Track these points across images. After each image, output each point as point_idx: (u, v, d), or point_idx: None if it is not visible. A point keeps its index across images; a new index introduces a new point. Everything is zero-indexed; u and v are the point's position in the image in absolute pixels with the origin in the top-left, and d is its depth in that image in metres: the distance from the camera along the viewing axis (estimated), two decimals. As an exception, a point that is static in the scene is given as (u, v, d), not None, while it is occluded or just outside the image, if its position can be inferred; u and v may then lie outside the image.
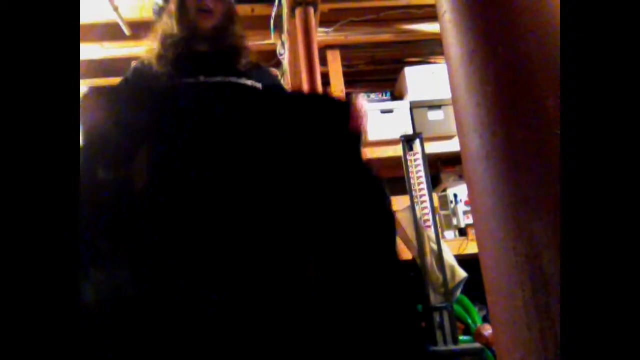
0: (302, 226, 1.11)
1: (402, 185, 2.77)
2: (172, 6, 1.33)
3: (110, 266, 0.99)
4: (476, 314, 2.90)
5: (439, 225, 2.71)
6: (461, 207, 3.20)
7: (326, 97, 1.25)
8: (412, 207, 2.63)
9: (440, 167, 3.45)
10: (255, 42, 2.99)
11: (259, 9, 3.00)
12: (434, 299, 2.46)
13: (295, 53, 2.56)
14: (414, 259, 2.64)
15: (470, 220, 3.13)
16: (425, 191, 2.67)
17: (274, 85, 1.38)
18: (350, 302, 1.07)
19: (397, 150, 2.96)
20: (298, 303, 1.03)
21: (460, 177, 3.34)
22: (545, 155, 0.56)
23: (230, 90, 1.29)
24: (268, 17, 2.63)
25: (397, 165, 2.89)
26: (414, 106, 3.28)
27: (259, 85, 1.34)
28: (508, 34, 0.62)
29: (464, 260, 2.62)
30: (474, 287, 2.71)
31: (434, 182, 3.21)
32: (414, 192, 2.67)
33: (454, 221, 3.20)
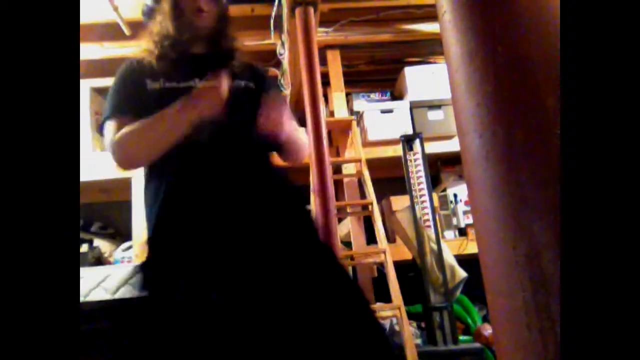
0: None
1: (402, 185, 2.77)
2: (166, 6, 1.32)
3: None
4: (476, 314, 2.90)
5: (439, 225, 2.71)
6: (461, 207, 3.20)
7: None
8: (412, 207, 2.63)
9: (440, 167, 3.46)
10: (255, 42, 2.99)
11: (259, 9, 3.00)
12: (434, 299, 2.46)
13: (295, 53, 2.56)
14: (414, 259, 2.64)
15: (470, 220, 3.13)
16: (425, 191, 2.67)
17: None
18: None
19: (397, 150, 2.96)
20: None
21: (460, 177, 3.34)
22: (545, 155, 0.56)
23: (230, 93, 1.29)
24: (268, 17, 2.63)
25: (397, 165, 2.89)
26: (414, 106, 3.28)
27: (252, 85, 1.35)
28: (508, 34, 0.62)
29: (464, 260, 2.63)
30: (474, 287, 2.71)
31: (434, 182, 3.22)
32: (414, 192, 2.68)
33: (454, 221, 3.20)
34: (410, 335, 2.29)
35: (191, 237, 1.15)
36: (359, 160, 2.87)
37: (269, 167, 1.32)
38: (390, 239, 2.96)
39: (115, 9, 2.70)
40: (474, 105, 0.64)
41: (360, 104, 3.43)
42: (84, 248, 3.00)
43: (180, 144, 1.21)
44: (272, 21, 2.56)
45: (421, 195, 2.67)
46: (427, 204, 2.64)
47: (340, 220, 3.09)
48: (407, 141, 2.78)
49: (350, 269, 2.67)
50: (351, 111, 3.43)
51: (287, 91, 3.06)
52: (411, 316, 2.74)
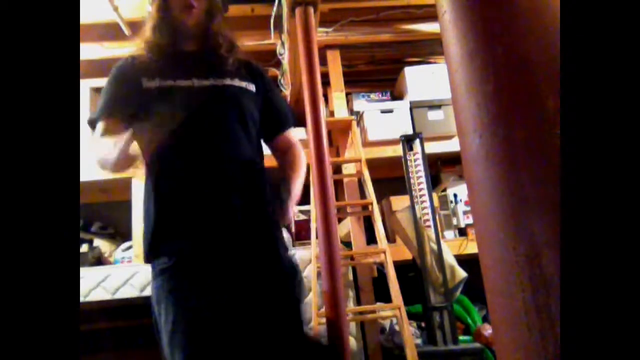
0: None
1: (402, 185, 2.77)
2: (156, 5, 1.32)
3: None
4: (476, 314, 2.90)
5: (439, 225, 2.71)
6: (461, 207, 3.20)
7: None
8: (412, 207, 2.63)
9: (440, 167, 3.46)
10: (255, 42, 2.99)
11: (259, 9, 3.00)
12: (434, 299, 2.46)
13: (295, 53, 2.56)
14: (414, 259, 2.64)
15: (470, 220, 3.13)
16: (425, 191, 2.67)
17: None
18: None
19: (397, 150, 2.96)
20: None
21: (460, 177, 3.34)
22: (545, 155, 0.56)
23: (226, 93, 1.28)
24: (268, 17, 2.63)
25: (397, 165, 2.89)
26: (414, 106, 3.28)
27: (252, 87, 1.34)
28: (508, 34, 0.62)
29: (464, 260, 2.63)
30: (474, 287, 2.71)
31: (434, 182, 3.22)
32: (414, 192, 2.67)
33: (454, 221, 3.20)
34: (410, 335, 2.29)
35: (175, 240, 1.19)
36: (359, 160, 2.87)
37: (260, 169, 1.32)
38: (390, 239, 2.96)
39: (115, 9, 2.70)
40: (474, 105, 0.64)
41: (360, 104, 3.43)
42: (84, 248, 3.00)
43: (173, 142, 1.22)
44: (272, 21, 2.56)
45: (421, 195, 2.67)
46: (427, 204, 2.64)
47: (340, 220, 3.09)
48: (407, 141, 2.78)
49: (350, 269, 2.67)
50: (351, 111, 3.42)
51: (287, 91, 3.06)
52: (411, 316, 2.74)
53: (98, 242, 3.20)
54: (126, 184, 2.95)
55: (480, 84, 0.63)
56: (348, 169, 3.13)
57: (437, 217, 2.70)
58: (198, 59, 1.32)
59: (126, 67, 1.32)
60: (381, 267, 2.76)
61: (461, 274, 2.50)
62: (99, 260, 2.99)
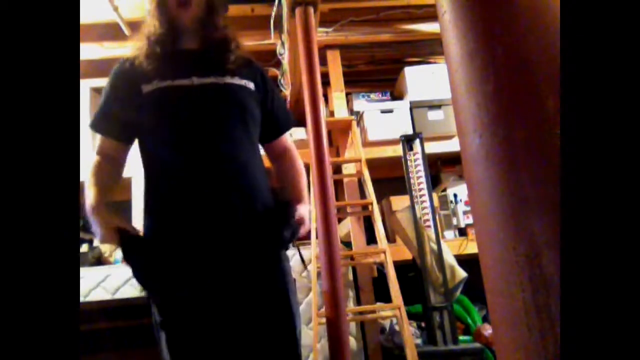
0: None
1: (402, 185, 2.77)
2: (152, 4, 1.31)
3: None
4: (476, 314, 2.90)
5: (439, 225, 2.71)
6: (461, 207, 3.20)
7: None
8: (412, 207, 2.63)
9: (440, 167, 3.46)
10: (255, 42, 2.99)
11: (259, 9, 3.00)
12: (434, 299, 2.46)
13: (295, 53, 2.56)
14: (414, 259, 2.64)
15: (470, 220, 3.13)
16: (425, 191, 2.67)
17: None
18: None
19: (397, 150, 2.96)
20: None
21: (460, 177, 3.34)
22: (545, 155, 0.56)
23: (225, 91, 1.28)
24: (268, 17, 2.63)
25: (397, 165, 2.89)
26: (414, 106, 3.28)
27: (251, 85, 1.33)
28: (508, 34, 0.62)
29: (464, 260, 2.63)
30: (474, 287, 2.71)
31: (434, 182, 3.22)
32: (414, 192, 2.68)
33: (454, 221, 3.20)
34: (410, 335, 2.29)
35: (166, 240, 1.21)
36: (359, 160, 2.87)
37: (259, 168, 1.31)
38: (390, 239, 2.96)
39: (115, 9, 2.70)
40: (474, 105, 0.64)
41: (360, 104, 3.43)
42: (84, 248, 3.00)
43: (172, 141, 1.22)
44: (272, 21, 2.56)
45: (421, 195, 2.67)
46: (427, 204, 2.64)
47: (340, 220, 3.09)
48: (407, 141, 2.78)
49: (350, 269, 2.67)
50: (351, 111, 3.43)
51: (287, 91, 3.06)
52: (411, 316, 2.74)
53: (98, 242, 3.20)
54: (126, 184, 2.95)
55: (480, 84, 0.63)
56: (348, 169, 3.13)
57: (437, 217, 2.70)
58: (198, 57, 1.31)
59: (124, 71, 1.31)
60: (381, 267, 2.77)
61: (461, 274, 2.50)
62: (99, 260, 2.99)
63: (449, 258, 2.55)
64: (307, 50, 1.99)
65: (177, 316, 1.17)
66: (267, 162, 1.43)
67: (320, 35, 3.04)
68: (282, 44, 2.68)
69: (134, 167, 1.47)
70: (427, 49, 3.48)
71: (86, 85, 3.17)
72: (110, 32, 2.94)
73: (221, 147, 1.22)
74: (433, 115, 3.27)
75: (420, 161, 2.72)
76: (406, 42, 3.42)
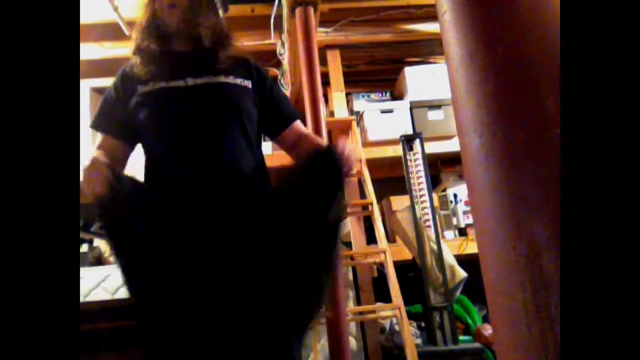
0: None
1: (402, 185, 2.77)
2: (142, 8, 1.34)
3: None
4: (476, 314, 2.90)
5: (439, 225, 2.71)
6: (461, 207, 3.20)
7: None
8: (412, 207, 2.63)
9: (440, 167, 3.46)
10: (255, 42, 2.99)
11: (259, 9, 3.00)
12: (434, 299, 2.46)
13: (295, 53, 2.56)
14: (414, 259, 2.64)
15: (470, 220, 3.13)
16: (425, 191, 2.67)
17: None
18: None
19: (397, 150, 2.96)
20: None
21: (460, 177, 3.34)
22: (545, 155, 0.56)
23: (220, 90, 1.28)
24: (268, 17, 2.63)
25: (397, 165, 2.89)
26: (414, 106, 3.28)
27: (247, 82, 1.33)
28: (508, 34, 0.62)
29: (464, 260, 2.62)
30: (474, 287, 2.71)
31: (434, 182, 3.22)
32: (414, 192, 2.67)
33: (454, 221, 3.20)
34: (410, 335, 2.29)
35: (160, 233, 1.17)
36: (359, 160, 2.87)
37: (255, 166, 1.30)
38: (390, 239, 2.96)
39: (115, 9, 2.70)
40: (474, 105, 0.64)
41: (360, 104, 3.43)
42: (84, 248, 3.00)
43: (168, 142, 1.22)
44: (272, 21, 2.56)
45: (421, 195, 2.67)
46: (427, 204, 2.64)
47: (340, 220, 3.08)
48: (407, 141, 2.78)
49: (350, 269, 2.67)
50: (351, 111, 3.43)
51: (287, 91, 3.06)
52: (411, 316, 2.74)
53: (98, 242, 3.20)
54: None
55: (480, 84, 0.63)
56: (348, 168, 3.13)
57: (437, 217, 2.70)
58: (191, 58, 1.32)
59: (125, 74, 1.34)
60: (381, 267, 2.76)
61: (461, 274, 2.50)
62: (99, 260, 2.99)
63: (449, 258, 2.55)
64: (307, 50, 1.99)
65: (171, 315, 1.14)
66: (269, 163, 1.41)
67: (320, 35, 3.04)
68: (282, 44, 2.68)
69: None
70: (427, 49, 3.48)
71: (86, 85, 3.17)
72: (110, 32, 2.94)
73: (216, 146, 1.22)
74: (433, 115, 3.27)
75: (420, 161, 2.72)
76: (406, 42, 3.41)
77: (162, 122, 1.24)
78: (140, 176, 1.27)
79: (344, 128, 3.22)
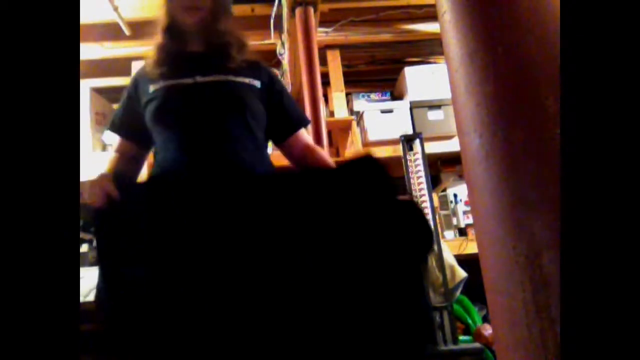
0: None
1: (402, 185, 2.77)
2: (162, 8, 1.34)
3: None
4: (476, 314, 2.90)
5: (439, 225, 2.71)
6: (461, 207, 3.20)
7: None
8: (412, 207, 2.62)
9: (440, 167, 3.45)
10: (255, 42, 2.99)
11: (259, 9, 3.00)
12: (434, 299, 2.46)
13: (295, 53, 2.56)
14: (414, 259, 2.64)
15: (470, 220, 3.12)
16: (425, 191, 2.66)
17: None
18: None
19: (397, 150, 2.96)
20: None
21: (460, 177, 3.33)
22: (545, 155, 0.56)
23: (226, 88, 1.29)
24: (268, 17, 2.63)
25: (397, 165, 2.89)
26: (414, 106, 3.28)
27: (256, 83, 1.33)
28: (508, 34, 0.62)
29: (464, 260, 2.62)
30: (474, 287, 2.71)
31: (434, 182, 3.21)
32: (414, 192, 2.67)
33: (454, 221, 3.20)
34: (410, 335, 2.29)
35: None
36: (359, 161, 2.86)
37: (267, 166, 1.30)
38: (390, 239, 2.95)
39: (115, 9, 2.70)
40: (474, 105, 0.64)
41: (360, 104, 3.43)
42: (84, 248, 3.00)
43: (173, 137, 1.23)
44: (272, 21, 2.56)
45: (421, 195, 2.67)
46: (427, 204, 2.64)
47: (340, 220, 3.08)
48: (407, 141, 2.78)
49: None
50: (351, 111, 3.43)
51: (287, 91, 3.05)
52: (411, 316, 2.74)
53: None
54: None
55: (480, 84, 0.63)
56: (348, 169, 3.12)
57: (437, 217, 2.70)
58: (203, 58, 1.33)
59: (138, 75, 1.37)
60: (381, 267, 2.76)
61: (461, 274, 2.50)
62: (99, 260, 2.98)
63: (449, 258, 2.55)
64: (307, 50, 2.00)
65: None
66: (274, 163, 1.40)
67: (320, 35, 3.04)
68: (282, 44, 2.68)
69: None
70: (427, 49, 3.48)
71: (86, 85, 3.17)
72: (110, 32, 2.94)
73: (220, 143, 1.22)
74: (433, 115, 3.27)
75: (420, 161, 2.72)
76: (406, 42, 3.42)
77: (167, 117, 1.26)
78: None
79: (344, 128, 3.23)
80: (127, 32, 2.85)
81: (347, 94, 3.44)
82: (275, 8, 2.46)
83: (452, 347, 2.36)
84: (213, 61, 1.32)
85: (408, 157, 2.74)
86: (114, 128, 1.38)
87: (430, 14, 3.12)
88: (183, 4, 1.30)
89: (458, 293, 2.54)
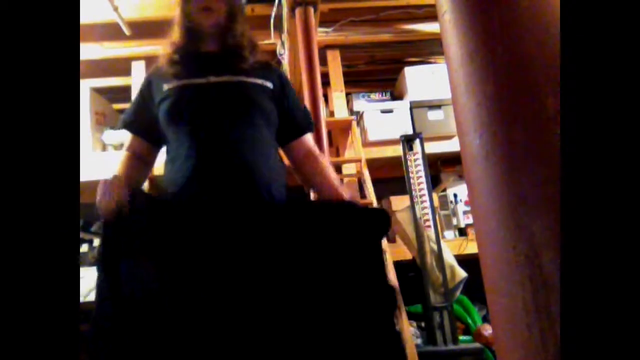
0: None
1: (402, 185, 2.77)
2: (178, 8, 1.36)
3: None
4: (476, 314, 2.90)
5: (439, 225, 2.71)
6: (461, 207, 3.20)
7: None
8: (412, 207, 2.63)
9: (440, 167, 3.46)
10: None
11: (259, 9, 3.00)
12: (434, 299, 2.46)
13: (295, 53, 2.56)
14: (414, 259, 2.64)
15: (470, 220, 3.13)
16: (425, 191, 2.66)
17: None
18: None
19: (397, 150, 2.96)
20: None
21: (460, 177, 3.34)
22: (545, 155, 0.56)
23: (239, 88, 1.30)
24: (268, 17, 2.63)
25: (397, 165, 2.89)
26: (414, 106, 3.28)
27: (268, 84, 1.34)
28: (508, 34, 0.62)
29: (464, 260, 2.62)
30: (474, 287, 2.71)
31: (434, 182, 3.22)
32: (414, 192, 2.67)
33: (454, 221, 3.20)
34: (410, 335, 2.29)
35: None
36: (359, 160, 2.87)
37: (276, 164, 1.31)
38: (390, 239, 2.96)
39: (115, 9, 2.70)
40: (474, 105, 0.64)
41: (360, 104, 3.43)
42: (84, 248, 3.00)
43: (184, 137, 1.23)
44: (272, 21, 2.56)
45: (421, 195, 2.67)
46: (427, 204, 2.64)
47: (340, 220, 3.08)
48: (407, 141, 2.78)
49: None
50: (351, 111, 3.43)
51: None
52: (411, 316, 2.74)
53: (98, 242, 3.19)
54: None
55: (480, 84, 0.63)
56: (348, 169, 3.13)
57: (437, 217, 2.70)
58: (216, 59, 1.35)
59: (151, 74, 1.38)
60: (381, 267, 2.76)
61: (461, 274, 2.50)
62: (99, 260, 2.98)
63: (449, 258, 2.55)
64: (307, 50, 2.00)
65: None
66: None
67: (320, 35, 3.04)
68: (282, 44, 2.68)
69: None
70: (427, 49, 3.48)
71: (86, 85, 3.17)
72: (110, 32, 2.94)
73: (230, 140, 1.23)
74: (433, 115, 3.27)
75: (420, 161, 2.72)
76: (406, 42, 3.42)
77: (180, 116, 1.27)
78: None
79: (344, 128, 3.23)
80: (127, 32, 2.85)
81: (347, 94, 3.44)
82: (275, 8, 2.46)
83: (452, 347, 2.36)
84: (226, 62, 1.33)
85: (408, 157, 2.74)
86: (125, 125, 1.39)
87: (430, 14, 3.12)
88: (199, 5, 1.31)
89: (458, 293, 2.54)
